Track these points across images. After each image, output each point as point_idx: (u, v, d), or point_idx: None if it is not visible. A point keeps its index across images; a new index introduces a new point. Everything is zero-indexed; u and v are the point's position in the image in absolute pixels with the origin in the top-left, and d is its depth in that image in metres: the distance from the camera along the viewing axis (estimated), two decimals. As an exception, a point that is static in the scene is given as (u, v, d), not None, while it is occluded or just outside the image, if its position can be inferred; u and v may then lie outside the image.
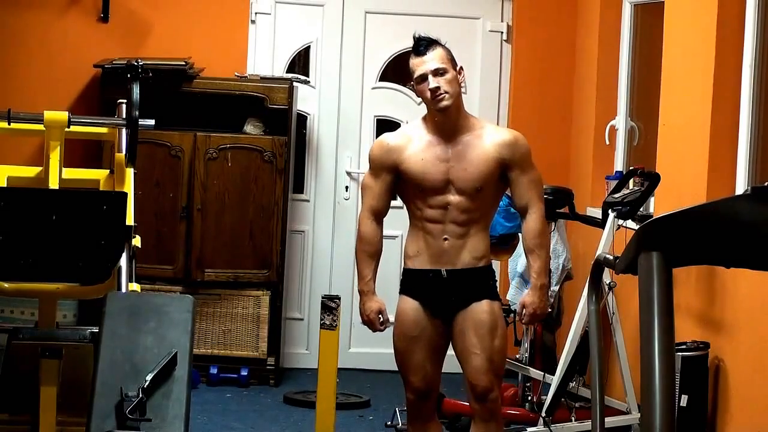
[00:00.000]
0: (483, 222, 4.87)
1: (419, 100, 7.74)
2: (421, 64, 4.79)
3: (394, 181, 4.87)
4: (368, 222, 4.89)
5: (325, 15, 7.77)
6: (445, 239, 4.81)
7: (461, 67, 4.86)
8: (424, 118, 4.90)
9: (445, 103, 4.77)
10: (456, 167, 4.79)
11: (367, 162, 5.00)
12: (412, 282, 4.89)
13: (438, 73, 4.77)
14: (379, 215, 4.91)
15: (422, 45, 4.81)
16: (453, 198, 4.79)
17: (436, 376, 4.91)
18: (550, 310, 6.63)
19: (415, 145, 4.85)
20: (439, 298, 4.84)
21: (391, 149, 4.87)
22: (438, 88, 4.75)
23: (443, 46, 4.85)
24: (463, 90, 4.89)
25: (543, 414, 6.07)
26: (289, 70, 7.74)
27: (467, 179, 4.78)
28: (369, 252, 4.90)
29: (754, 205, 2.35)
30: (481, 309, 4.81)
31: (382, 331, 4.95)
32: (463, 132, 4.83)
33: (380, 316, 4.88)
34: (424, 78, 4.78)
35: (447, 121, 4.82)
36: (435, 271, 4.83)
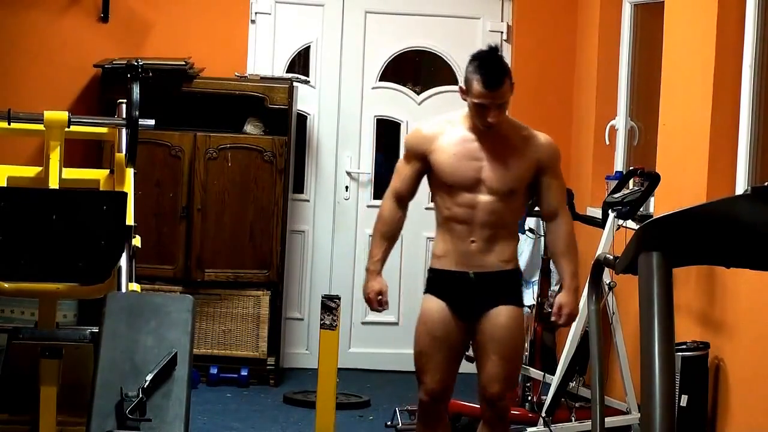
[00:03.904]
0: (511, 227, 4.85)
1: (419, 99, 7.84)
2: (486, 97, 4.67)
3: (423, 170, 4.83)
4: (389, 203, 4.88)
5: (325, 15, 7.77)
6: (473, 241, 4.76)
7: (513, 83, 4.77)
8: (466, 115, 4.81)
9: (492, 127, 4.73)
10: (489, 166, 4.74)
11: (403, 147, 4.99)
12: (438, 282, 4.84)
13: (499, 106, 4.71)
14: (401, 199, 4.87)
15: (492, 77, 4.66)
16: (482, 198, 4.73)
17: (453, 378, 4.86)
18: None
19: (448, 137, 4.79)
20: (466, 300, 4.79)
21: (425, 137, 4.83)
22: (494, 122, 4.69)
23: (508, 72, 4.73)
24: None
25: (543, 414, 6.06)
26: (289, 70, 7.73)
27: (501, 180, 4.73)
28: (384, 232, 4.87)
29: (754, 205, 2.35)
30: (506, 314, 4.78)
31: (379, 311, 4.92)
32: (501, 133, 4.77)
33: (380, 296, 4.84)
34: (484, 107, 4.68)
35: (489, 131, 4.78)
36: (462, 273, 4.78)
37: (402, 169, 4.88)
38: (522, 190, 4.80)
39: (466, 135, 4.78)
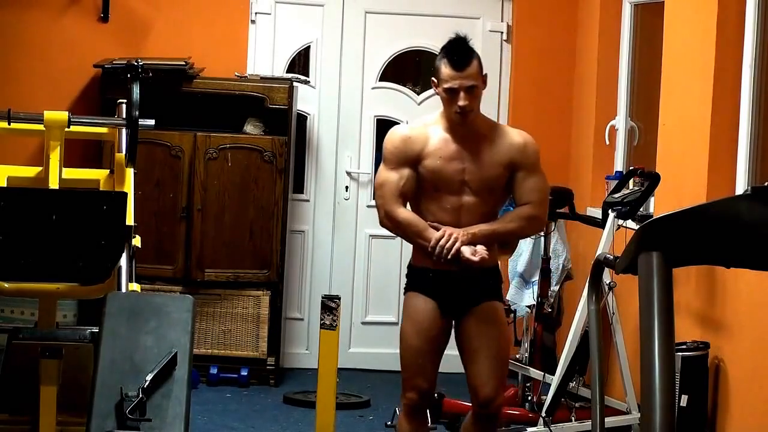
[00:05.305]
0: None
1: (419, 99, 7.84)
2: (455, 79, 4.64)
3: (414, 175, 4.72)
4: (402, 209, 4.72)
5: (325, 15, 7.77)
6: None
7: (486, 74, 4.75)
8: (441, 115, 4.77)
9: (467, 117, 4.69)
10: (471, 167, 4.72)
11: (384, 156, 4.79)
12: (423, 279, 4.82)
13: (469, 90, 4.65)
14: (406, 200, 4.73)
15: (459, 58, 4.65)
16: (467, 199, 4.72)
17: (436, 375, 4.87)
18: (549, 310, 6.65)
19: (433, 142, 4.74)
20: (451, 298, 4.78)
21: (412, 140, 4.73)
22: (466, 106, 4.65)
23: (477, 57, 4.70)
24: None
25: (543, 414, 6.06)
26: (289, 70, 7.74)
27: (482, 179, 4.71)
28: (413, 223, 4.70)
29: (754, 205, 2.35)
30: (490, 310, 4.79)
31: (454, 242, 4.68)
32: (478, 132, 4.75)
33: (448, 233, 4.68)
34: (454, 92, 4.66)
35: (464, 123, 4.73)
36: (448, 271, 4.73)
37: (394, 177, 4.71)
38: (500, 188, 4.78)
39: (445, 136, 4.75)
